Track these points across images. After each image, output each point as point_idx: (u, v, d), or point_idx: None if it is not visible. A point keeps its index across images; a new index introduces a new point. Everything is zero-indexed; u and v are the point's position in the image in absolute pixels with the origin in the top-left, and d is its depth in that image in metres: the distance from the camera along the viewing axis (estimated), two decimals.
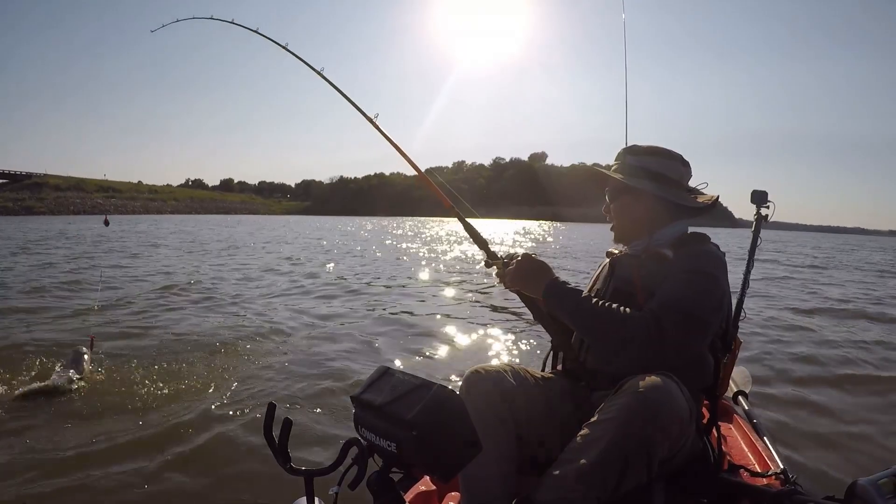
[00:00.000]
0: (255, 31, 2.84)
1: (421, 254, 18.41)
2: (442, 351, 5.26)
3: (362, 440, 1.00)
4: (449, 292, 9.20)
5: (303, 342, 5.33)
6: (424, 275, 11.90)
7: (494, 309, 7.59)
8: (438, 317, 7.01)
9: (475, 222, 2.20)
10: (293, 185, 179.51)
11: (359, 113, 2.50)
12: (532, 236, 32.35)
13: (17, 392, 3.55)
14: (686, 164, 1.84)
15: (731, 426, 2.44)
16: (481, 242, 2.09)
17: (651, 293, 1.62)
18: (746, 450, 2.21)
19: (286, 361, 4.59)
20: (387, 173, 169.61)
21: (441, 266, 13.89)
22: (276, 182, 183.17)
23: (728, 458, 1.95)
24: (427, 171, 2.36)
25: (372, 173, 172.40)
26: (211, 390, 3.79)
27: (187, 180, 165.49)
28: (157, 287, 8.42)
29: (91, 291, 7.60)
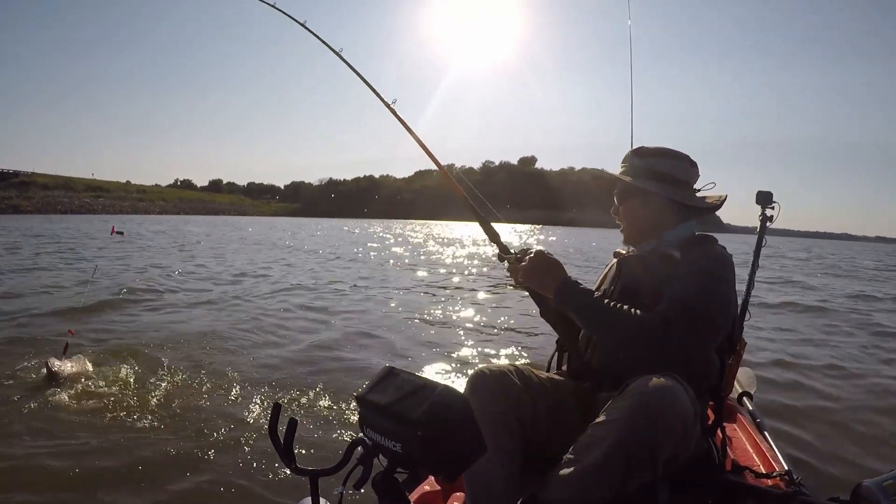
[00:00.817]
0: (273, 6, 2.80)
1: (425, 255, 18.40)
2: (447, 351, 5.26)
3: (367, 440, 1.01)
4: (454, 293, 9.20)
5: (308, 342, 5.34)
6: (429, 276, 11.90)
7: (500, 309, 7.59)
8: (443, 317, 7.01)
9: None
10: (282, 187, 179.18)
11: (376, 98, 2.43)
12: (522, 240, 32.27)
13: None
14: (694, 165, 1.83)
15: (735, 427, 2.44)
16: (494, 236, 2.08)
17: (658, 294, 1.62)
18: (751, 451, 2.21)
19: (291, 362, 4.60)
20: (376, 175, 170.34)
21: (446, 267, 13.89)
22: (265, 183, 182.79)
23: (733, 458, 1.95)
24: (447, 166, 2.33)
25: (361, 175, 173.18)
26: (216, 391, 3.80)
27: (176, 180, 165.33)
28: (160, 286, 8.44)
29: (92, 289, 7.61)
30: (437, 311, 7.38)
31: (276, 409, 1.05)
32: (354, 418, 1.23)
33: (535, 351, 5.31)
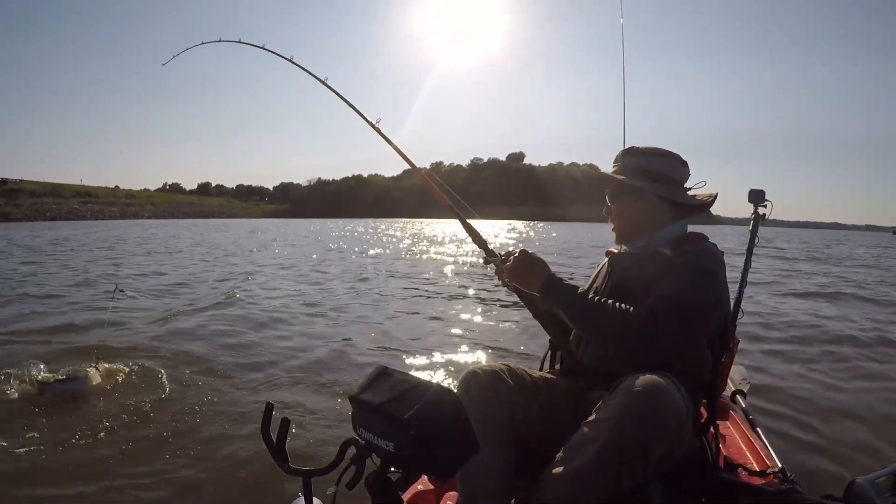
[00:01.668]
0: (262, 48, 2.93)
1: (416, 254, 18.41)
2: (440, 351, 5.26)
3: (360, 440, 1.00)
4: (447, 292, 9.20)
5: (300, 341, 5.33)
6: (422, 275, 11.90)
7: (492, 309, 7.59)
8: (436, 317, 7.01)
9: (474, 222, 2.21)
10: (271, 188, 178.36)
11: (361, 118, 2.55)
12: (510, 235, 32.19)
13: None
14: (684, 164, 1.85)
15: (728, 425, 2.45)
16: (480, 241, 2.10)
17: (649, 290, 1.63)
18: (744, 448, 2.21)
19: (284, 361, 4.59)
20: (365, 175, 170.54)
21: (438, 266, 13.90)
22: (254, 185, 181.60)
23: (726, 456, 1.95)
24: (427, 172, 2.39)
25: (350, 175, 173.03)
26: (208, 390, 3.78)
27: (165, 184, 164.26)
28: (155, 288, 8.42)
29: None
30: (429, 311, 7.38)
31: (269, 408, 1.05)
32: (347, 418, 1.25)
33: (528, 350, 5.31)
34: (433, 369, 4.60)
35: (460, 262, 14.92)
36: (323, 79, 2.70)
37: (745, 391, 2.83)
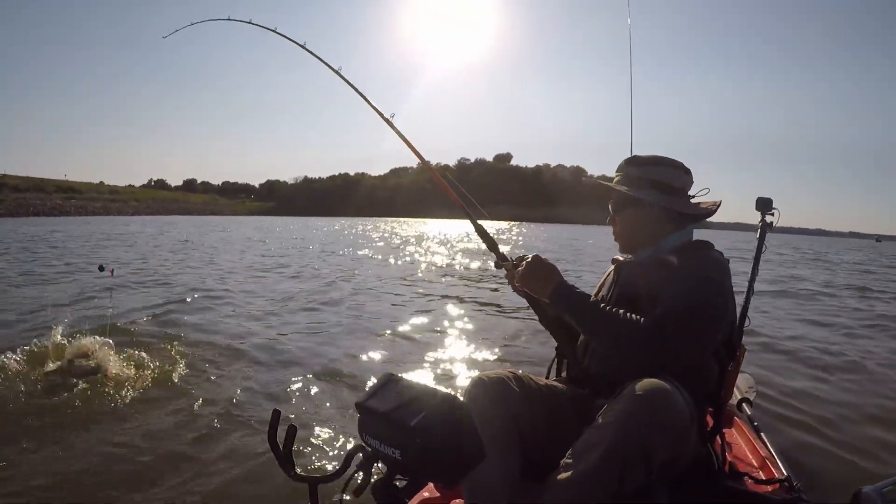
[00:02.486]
0: (274, 31, 2.83)
1: (420, 258, 18.39)
2: (446, 358, 5.25)
3: (367, 447, 1.01)
4: (453, 299, 9.19)
5: (307, 349, 5.33)
6: (427, 281, 11.89)
7: (499, 316, 7.58)
8: (443, 324, 7.00)
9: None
10: (257, 186, 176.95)
11: (375, 112, 2.51)
12: (502, 237, 31.97)
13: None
14: (688, 172, 1.86)
15: (735, 433, 2.44)
16: (492, 244, 2.10)
17: (655, 299, 1.63)
18: (751, 457, 2.21)
19: (290, 368, 4.59)
20: (352, 173, 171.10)
21: (444, 272, 13.89)
22: (239, 182, 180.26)
23: (732, 464, 1.95)
24: (440, 171, 2.37)
25: (336, 174, 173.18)
26: (215, 397, 3.78)
27: (150, 180, 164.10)
28: (160, 291, 8.41)
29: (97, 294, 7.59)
30: (435, 318, 7.37)
31: (276, 415, 1.05)
32: (354, 425, 1.24)
33: (534, 358, 5.30)
34: (440, 376, 4.60)
35: (464, 266, 14.90)
36: (336, 68, 2.62)
37: (752, 399, 2.82)
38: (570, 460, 1.44)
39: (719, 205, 1.88)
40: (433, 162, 2.38)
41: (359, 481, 0.98)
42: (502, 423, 1.63)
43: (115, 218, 55.04)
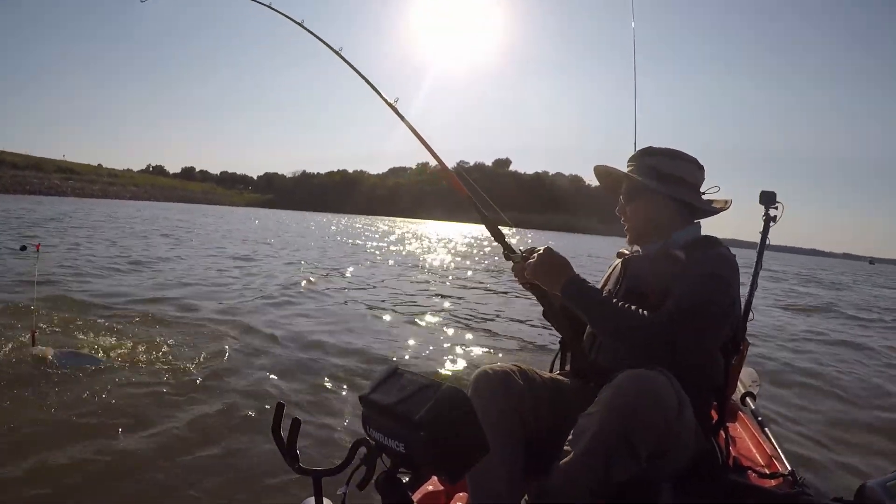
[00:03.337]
0: (269, 6, 2.74)
1: (425, 255, 18.42)
2: (450, 351, 5.27)
3: (371, 440, 1.01)
4: (457, 293, 9.21)
5: (311, 342, 5.34)
6: (431, 276, 11.91)
7: (503, 310, 7.59)
8: (446, 317, 7.02)
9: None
10: (255, 178, 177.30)
11: (378, 96, 2.44)
12: (484, 242, 31.90)
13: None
14: (700, 168, 1.85)
15: (738, 427, 2.44)
16: (500, 237, 2.09)
17: (663, 294, 1.63)
18: (754, 451, 2.21)
19: (294, 361, 4.60)
20: (350, 170, 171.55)
21: (448, 267, 13.90)
22: (238, 173, 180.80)
23: (736, 459, 1.95)
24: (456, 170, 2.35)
25: (335, 170, 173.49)
26: (219, 390, 3.79)
27: (148, 166, 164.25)
28: (161, 281, 8.42)
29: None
30: (440, 312, 7.38)
31: (280, 408, 1.05)
32: (358, 418, 1.25)
33: (539, 351, 5.31)
34: (444, 369, 4.61)
35: (468, 263, 14.90)
36: (337, 49, 2.51)
37: (756, 393, 2.82)
38: (568, 446, 1.46)
39: (730, 203, 1.87)
40: (433, 164, 2.34)
41: (363, 475, 0.98)
42: (506, 416, 1.63)
43: (112, 201, 54.87)
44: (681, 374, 1.51)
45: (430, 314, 7.23)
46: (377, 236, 28.30)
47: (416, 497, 1.73)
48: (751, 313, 2.28)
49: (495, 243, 2.07)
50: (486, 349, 5.40)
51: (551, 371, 1.98)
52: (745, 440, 2.32)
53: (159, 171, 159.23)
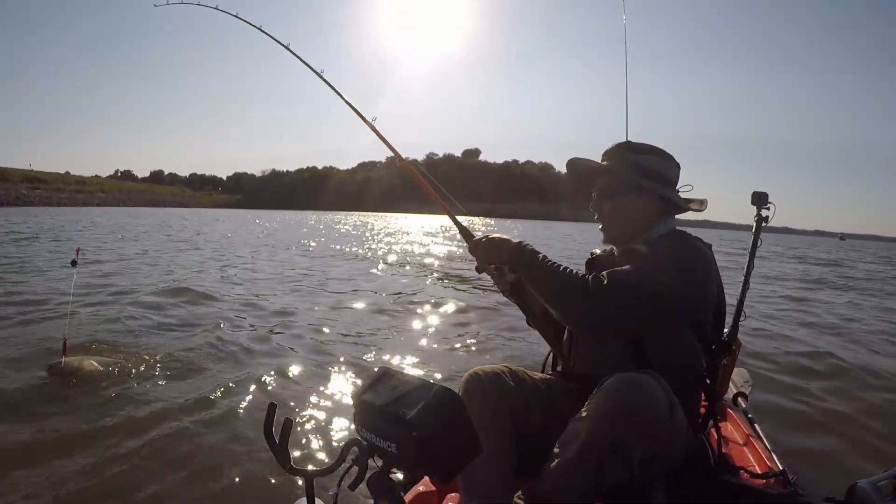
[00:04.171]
0: (259, 29, 2.76)
1: (414, 253, 18.39)
2: (441, 352, 5.26)
3: (362, 441, 1.01)
4: (448, 295, 9.20)
5: (301, 342, 5.33)
6: (421, 275, 11.89)
7: (494, 311, 7.59)
8: (438, 319, 7.01)
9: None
10: (225, 178, 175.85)
11: (355, 114, 2.48)
12: (449, 232, 31.76)
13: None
14: (678, 166, 1.83)
15: (730, 427, 2.45)
16: (467, 234, 2.03)
17: None
18: (746, 451, 2.21)
19: (285, 362, 4.58)
20: (319, 167, 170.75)
21: (437, 267, 13.89)
22: (207, 174, 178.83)
23: (727, 458, 1.95)
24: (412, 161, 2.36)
25: (304, 167, 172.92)
26: (210, 391, 3.77)
27: (116, 171, 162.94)
28: (151, 283, 8.38)
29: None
30: (430, 313, 7.37)
31: (271, 408, 1.05)
32: (350, 419, 1.24)
33: (530, 352, 5.31)
34: (435, 371, 4.60)
35: (456, 262, 14.89)
36: (319, 71, 2.54)
37: (747, 393, 2.83)
38: (558, 449, 1.45)
39: (706, 204, 1.85)
40: (403, 156, 2.35)
41: (354, 475, 0.98)
42: (498, 417, 1.63)
43: (80, 209, 54.50)
44: (662, 369, 1.51)
45: (422, 313, 7.22)
46: (353, 233, 28.27)
47: (408, 497, 1.73)
48: (743, 313, 2.28)
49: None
50: (477, 350, 5.40)
51: (542, 372, 1.98)
52: (737, 440, 2.32)
53: (128, 175, 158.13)
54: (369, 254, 16.94)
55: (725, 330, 1.82)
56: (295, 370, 4.34)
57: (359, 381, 4.03)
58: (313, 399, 3.74)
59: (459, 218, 2.11)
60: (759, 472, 1.92)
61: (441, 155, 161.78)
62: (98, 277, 8.64)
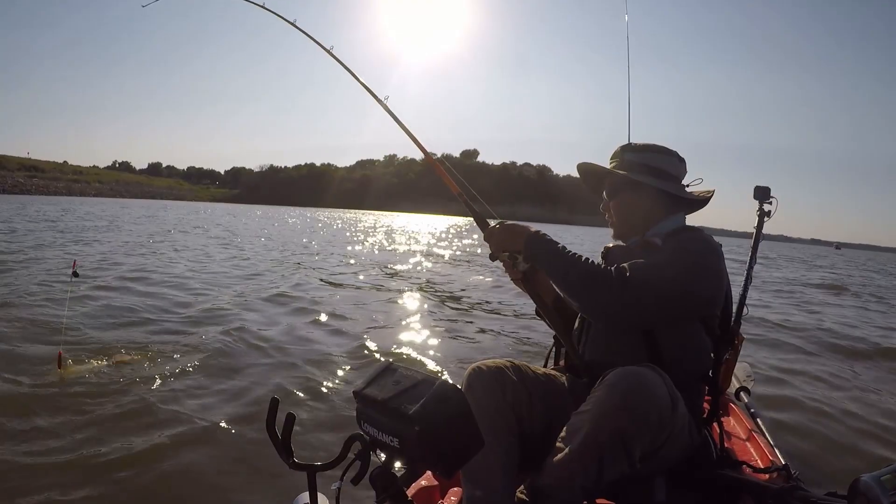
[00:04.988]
0: (262, 7, 2.72)
1: (418, 249, 18.41)
2: (444, 347, 5.26)
3: (365, 435, 1.01)
4: (452, 289, 9.21)
5: (304, 337, 5.33)
6: (425, 271, 11.91)
7: (497, 306, 7.59)
8: (441, 313, 7.02)
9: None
10: (222, 172, 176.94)
11: (368, 94, 2.42)
12: (451, 232, 31.60)
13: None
14: (682, 160, 1.86)
15: (733, 421, 2.45)
16: (481, 221, 2.03)
17: None
18: (748, 445, 2.21)
19: (288, 356, 4.59)
20: (317, 164, 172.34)
21: (442, 263, 13.90)
22: (205, 168, 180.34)
23: (730, 453, 1.95)
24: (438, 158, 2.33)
25: (302, 163, 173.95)
26: (213, 385, 3.78)
27: (114, 162, 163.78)
28: (148, 276, 8.39)
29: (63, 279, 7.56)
30: (433, 307, 7.38)
31: (274, 403, 1.05)
32: (353, 413, 1.25)
33: (533, 346, 5.31)
34: (438, 365, 4.61)
35: (458, 257, 14.89)
36: (329, 47, 2.49)
37: (750, 388, 2.82)
38: (560, 443, 1.46)
39: (713, 193, 1.88)
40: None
41: (357, 469, 0.98)
42: (500, 411, 1.64)
43: (75, 198, 54.18)
44: (668, 366, 1.51)
45: (424, 309, 7.23)
46: (357, 229, 28.32)
47: (410, 492, 1.73)
48: (745, 308, 2.28)
49: (477, 238, 2.05)
50: (479, 345, 5.40)
51: (545, 366, 1.98)
52: (740, 434, 2.32)
53: (126, 167, 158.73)
54: (376, 250, 16.94)
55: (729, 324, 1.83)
56: (298, 364, 4.34)
57: (361, 376, 4.03)
58: (316, 393, 3.75)
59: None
60: (762, 467, 1.92)
61: (439, 154, 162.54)
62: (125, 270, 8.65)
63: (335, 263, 12.57)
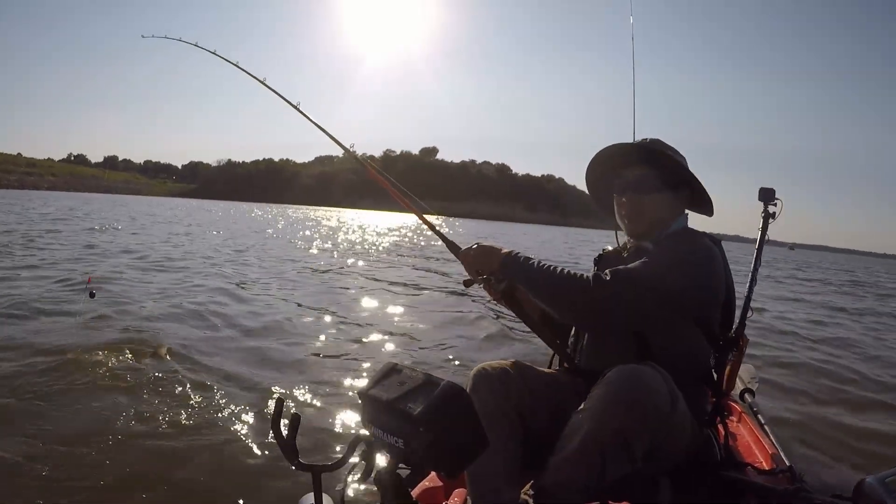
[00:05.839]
0: (236, 65, 2.81)
1: (417, 250, 18.40)
2: (449, 349, 5.27)
3: (370, 436, 1.01)
4: (456, 291, 9.20)
5: (311, 337, 5.34)
6: (427, 272, 11.90)
7: (500, 307, 7.58)
8: (446, 315, 7.02)
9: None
10: (180, 167, 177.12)
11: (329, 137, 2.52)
12: (404, 230, 31.44)
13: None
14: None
15: (737, 423, 2.44)
16: (451, 245, 1.98)
17: None
18: (753, 447, 2.21)
19: (294, 357, 4.60)
20: (276, 159, 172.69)
21: (439, 262, 13.88)
22: (162, 162, 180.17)
23: (734, 455, 1.95)
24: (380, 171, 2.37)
25: (261, 158, 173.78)
26: (218, 386, 3.79)
27: (70, 155, 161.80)
28: (161, 274, 8.39)
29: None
30: (437, 309, 7.39)
31: (279, 403, 1.06)
32: (357, 414, 1.24)
33: (537, 348, 5.30)
34: (443, 366, 4.61)
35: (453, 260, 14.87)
36: (295, 103, 2.61)
37: (755, 390, 2.82)
38: (561, 443, 1.47)
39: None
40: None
41: (362, 470, 0.99)
42: (505, 412, 1.64)
43: (29, 192, 53.87)
44: (668, 365, 1.51)
45: (429, 311, 7.23)
46: (341, 230, 28.32)
47: (414, 493, 1.73)
48: (750, 310, 2.27)
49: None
50: (484, 346, 5.40)
51: (549, 367, 1.98)
52: (744, 436, 2.32)
53: (81, 160, 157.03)
54: (364, 249, 16.94)
55: (733, 326, 1.83)
56: (303, 365, 4.35)
57: (366, 377, 4.04)
58: (321, 394, 3.75)
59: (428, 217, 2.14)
60: (766, 469, 1.92)
61: (398, 152, 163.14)
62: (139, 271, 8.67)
63: (334, 263, 12.59)
